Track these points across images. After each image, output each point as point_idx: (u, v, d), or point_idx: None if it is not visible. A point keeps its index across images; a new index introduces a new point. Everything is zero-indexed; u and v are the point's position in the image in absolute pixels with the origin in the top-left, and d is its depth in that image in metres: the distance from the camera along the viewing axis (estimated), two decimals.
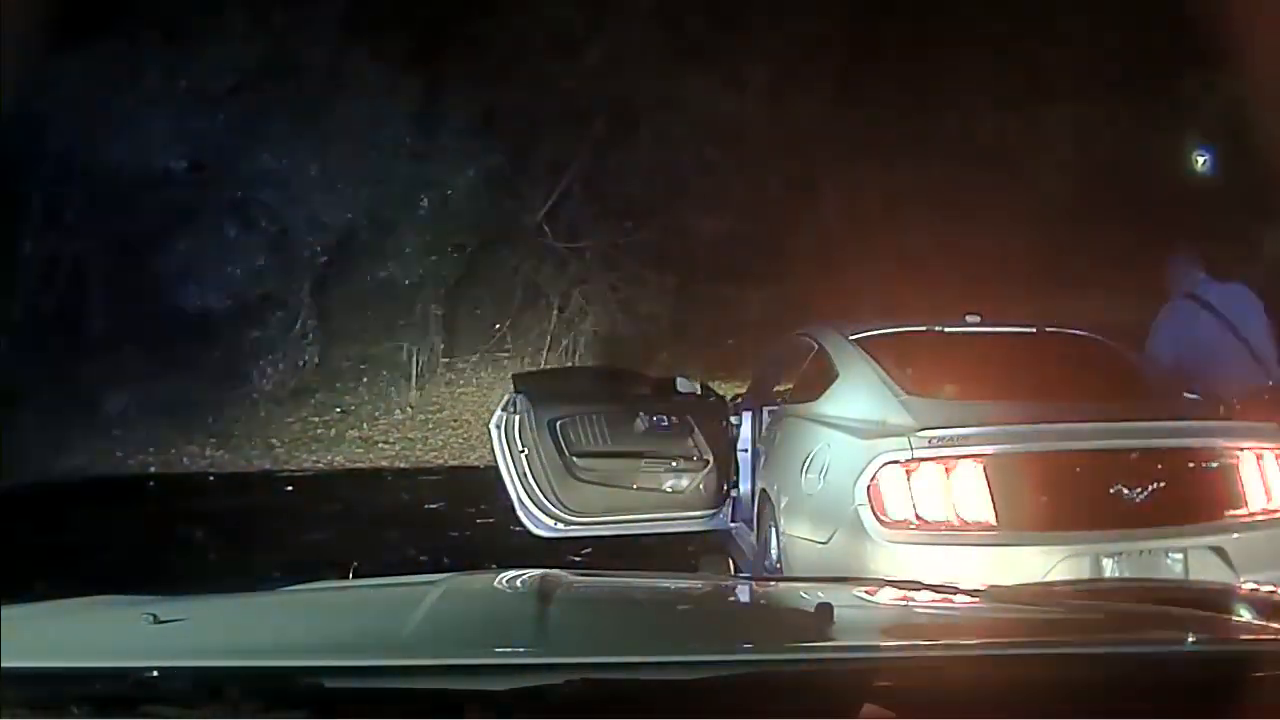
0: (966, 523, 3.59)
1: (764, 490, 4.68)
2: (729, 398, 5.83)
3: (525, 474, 5.17)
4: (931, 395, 4.06)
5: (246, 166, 11.43)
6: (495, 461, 5.31)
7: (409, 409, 11.95)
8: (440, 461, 10.64)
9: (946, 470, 3.61)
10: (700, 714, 1.23)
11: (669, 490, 5.24)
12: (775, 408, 5.08)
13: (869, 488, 3.63)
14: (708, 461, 5.25)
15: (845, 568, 3.62)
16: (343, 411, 11.84)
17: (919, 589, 2.14)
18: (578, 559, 5.34)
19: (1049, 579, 3.25)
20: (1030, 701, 1.23)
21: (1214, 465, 3.79)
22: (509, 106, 12.33)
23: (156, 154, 10.83)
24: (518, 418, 5.20)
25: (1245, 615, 1.85)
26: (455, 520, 7.58)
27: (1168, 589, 2.64)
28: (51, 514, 7.80)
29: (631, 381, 6.12)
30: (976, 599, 2.04)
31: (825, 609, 1.56)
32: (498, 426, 5.25)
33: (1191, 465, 3.80)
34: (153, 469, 10.17)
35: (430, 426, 11.60)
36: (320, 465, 10.60)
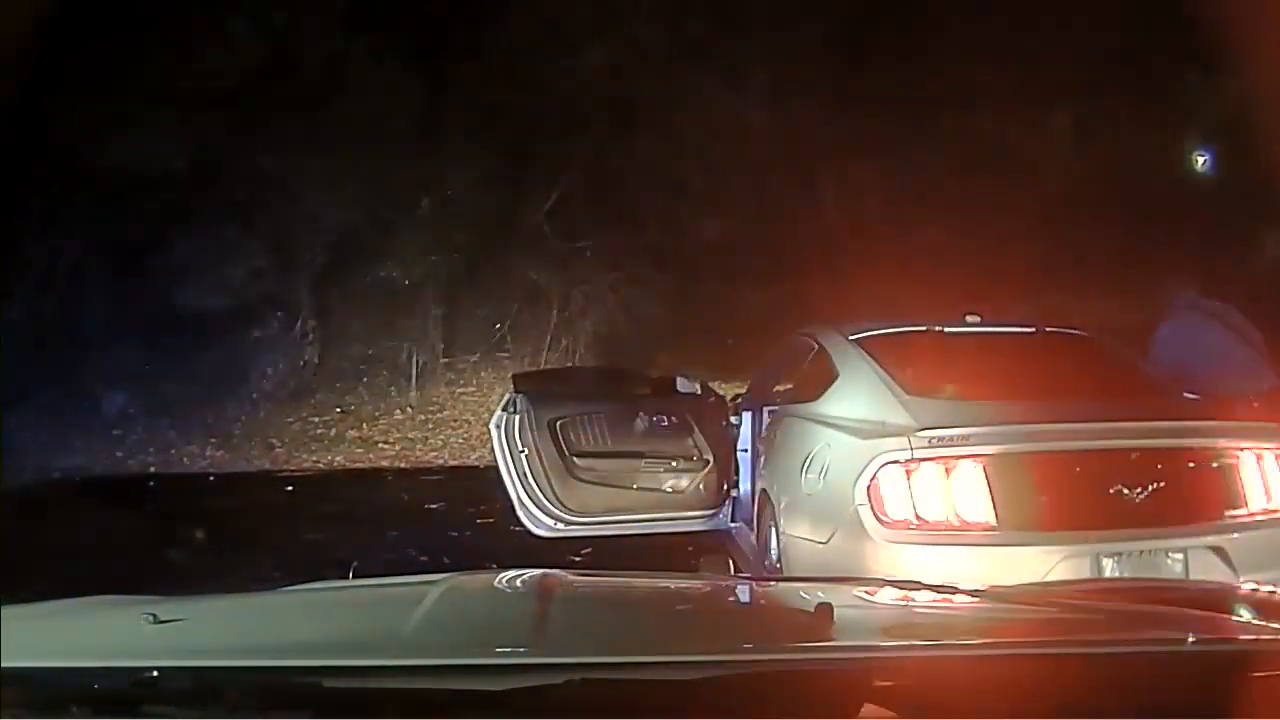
0: (966, 523, 3.60)
1: (764, 490, 4.68)
2: (729, 398, 5.83)
3: (525, 474, 5.17)
4: (931, 395, 4.06)
5: (246, 166, 11.43)
6: (495, 461, 5.31)
7: (409, 409, 11.95)
8: (440, 461, 10.63)
9: (946, 470, 3.61)
10: (700, 714, 1.23)
11: (669, 490, 5.24)
12: (775, 408, 5.09)
13: (869, 488, 3.64)
14: (708, 461, 5.26)
15: (845, 568, 3.62)
16: (343, 411, 11.83)
17: (919, 589, 2.14)
18: (578, 559, 5.34)
19: (1049, 579, 3.25)
20: (1030, 701, 1.23)
21: (1214, 465, 3.79)
22: (509, 106, 12.33)
23: (156, 154, 10.83)
24: (518, 418, 5.20)
25: (1245, 615, 1.85)
26: (455, 520, 7.57)
27: (1168, 589, 2.64)
28: (51, 514, 7.79)
29: (631, 381, 6.12)
30: (976, 599, 2.04)
31: (825, 609, 1.56)
32: (498, 426, 5.26)
33: (1191, 465, 3.80)
34: (153, 469, 10.16)
35: (430, 426, 11.59)
36: (320, 465, 10.59)
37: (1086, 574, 3.47)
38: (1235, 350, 5.10)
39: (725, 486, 5.29)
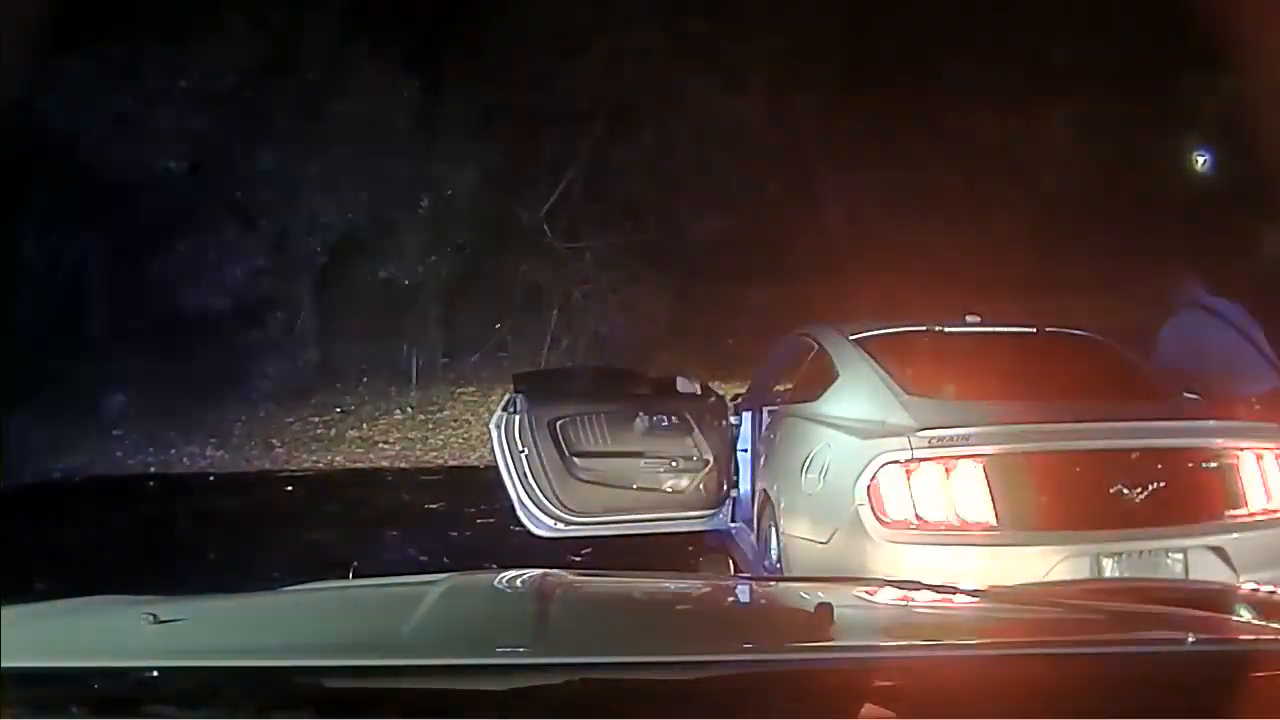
0: (966, 523, 3.59)
1: (764, 490, 4.68)
2: (729, 398, 5.83)
3: (525, 474, 5.16)
4: (931, 395, 4.06)
5: (246, 166, 11.44)
6: (495, 461, 5.31)
7: (409, 409, 11.96)
8: (440, 461, 10.63)
9: (946, 470, 3.61)
10: (700, 714, 1.23)
11: (669, 490, 5.24)
12: (775, 408, 5.08)
13: (869, 488, 3.63)
14: (708, 461, 5.25)
15: (845, 568, 3.62)
16: (343, 411, 11.84)
17: (919, 589, 2.14)
18: (578, 559, 5.34)
19: (1049, 579, 3.25)
20: (1030, 701, 1.23)
21: (1214, 465, 3.79)
22: (509, 106, 12.34)
23: (156, 154, 10.83)
24: (518, 418, 5.20)
25: (1245, 615, 1.85)
26: (455, 520, 7.58)
27: (1168, 589, 2.64)
28: (51, 514, 7.80)
29: (631, 381, 6.11)
30: (976, 599, 2.04)
31: (825, 609, 1.56)
32: (498, 426, 5.26)
33: (1191, 465, 3.80)
34: (153, 469, 10.17)
35: (430, 426, 11.60)
36: (320, 465, 10.60)
37: (1086, 574, 3.47)
38: (1239, 350, 5.09)
39: (725, 486, 5.28)
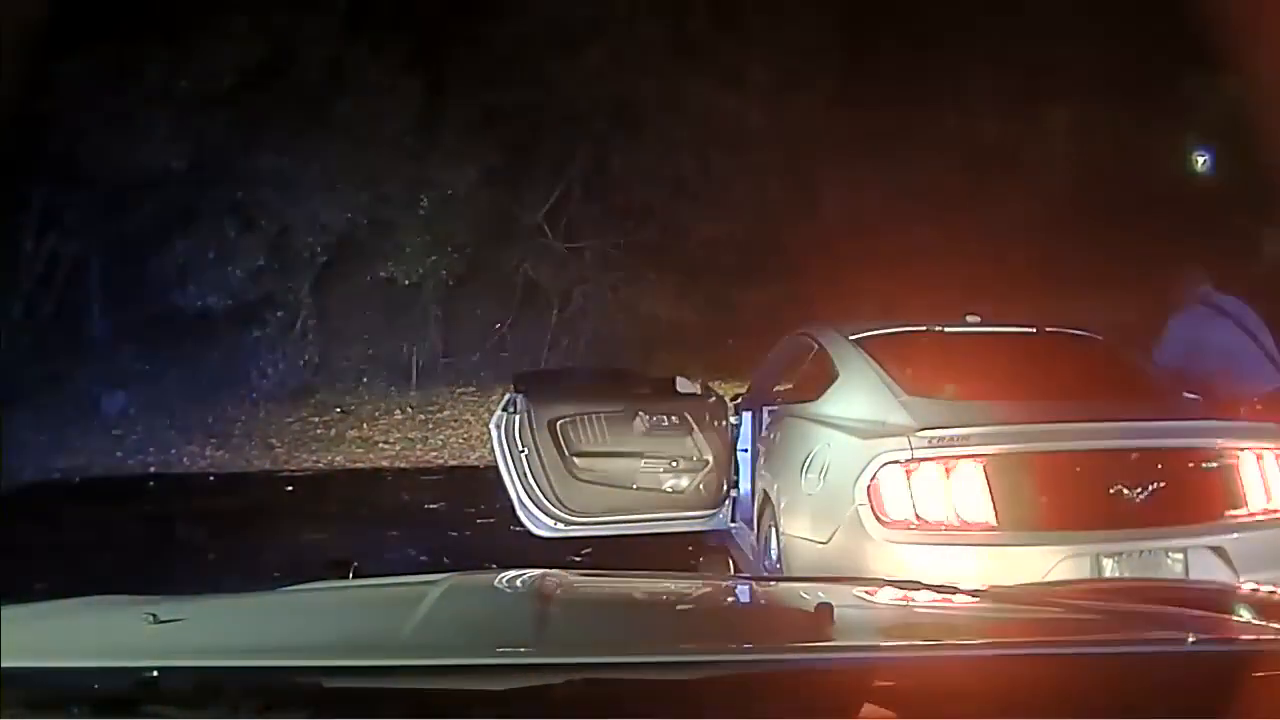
0: (966, 523, 3.59)
1: (764, 490, 4.68)
2: (729, 398, 5.83)
3: (525, 474, 5.17)
4: (931, 395, 4.06)
5: (246, 166, 11.44)
6: (495, 461, 5.31)
7: (409, 409, 11.96)
8: (440, 461, 10.63)
9: (946, 470, 3.61)
10: (700, 714, 1.23)
11: (669, 490, 5.24)
12: (775, 408, 5.09)
13: (869, 488, 3.64)
14: (708, 461, 5.25)
15: (845, 568, 3.62)
16: (343, 411, 11.84)
17: (919, 589, 2.14)
18: (578, 559, 5.33)
19: (1049, 579, 3.25)
20: (1030, 701, 1.23)
21: (1214, 465, 3.79)
22: (509, 106, 12.34)
23: (156, 154, 10.83)
24: (518, 418, 5.20)
25: (1245, 615, 1.85)
26: (455, 520, 7.58)
27: (1168, 589, 2.64)
28: (51, 514, 7.79)
29: (631, 381, 6.11)
30: (976, 599, 2.04)
31: (825, 609, 1.56)
32: (498, 426, 5.26)
33: (1191, 465, 3.80)
34: (153, 469, 10.16)
35: (430, 426, 11.60)
36: (320, 465, 10.59)
37: (1086, 574, 3.47)
38: (1243, 350, 5.09)
39: (725, 486, 5.29)
